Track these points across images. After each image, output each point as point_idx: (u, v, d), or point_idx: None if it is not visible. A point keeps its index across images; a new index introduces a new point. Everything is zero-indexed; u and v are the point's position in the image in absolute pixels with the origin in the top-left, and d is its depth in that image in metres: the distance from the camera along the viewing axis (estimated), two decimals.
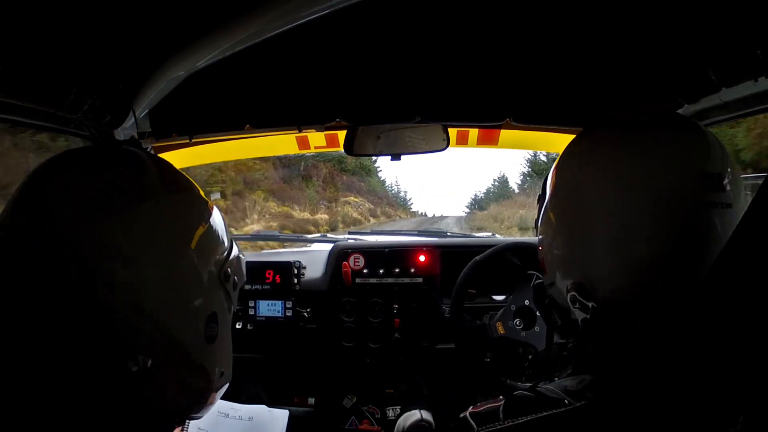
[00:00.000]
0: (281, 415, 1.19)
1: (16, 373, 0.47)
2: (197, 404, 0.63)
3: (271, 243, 2.94)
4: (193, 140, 1.19)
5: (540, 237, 0.74)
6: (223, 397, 0.69)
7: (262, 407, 1.19)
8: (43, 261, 0.50)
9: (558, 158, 0.74)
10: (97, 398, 0.52)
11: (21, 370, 0.47)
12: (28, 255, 0.51)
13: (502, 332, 1.39)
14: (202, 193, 0.64)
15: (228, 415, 1.14)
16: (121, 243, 0.53)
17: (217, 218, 0.64)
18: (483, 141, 1.49)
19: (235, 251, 0.68)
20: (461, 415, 0.71)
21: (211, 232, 0.62)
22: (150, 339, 0.54)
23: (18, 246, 0.51)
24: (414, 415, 1.43)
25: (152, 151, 1.21)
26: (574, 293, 0.63)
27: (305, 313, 1.65)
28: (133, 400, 0.54)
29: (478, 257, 1.44)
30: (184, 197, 0.62)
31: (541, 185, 0.77)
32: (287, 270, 1.66)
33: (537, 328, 1.37)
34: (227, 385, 0.68)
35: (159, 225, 0.57)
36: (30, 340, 0.49)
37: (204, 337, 0.60)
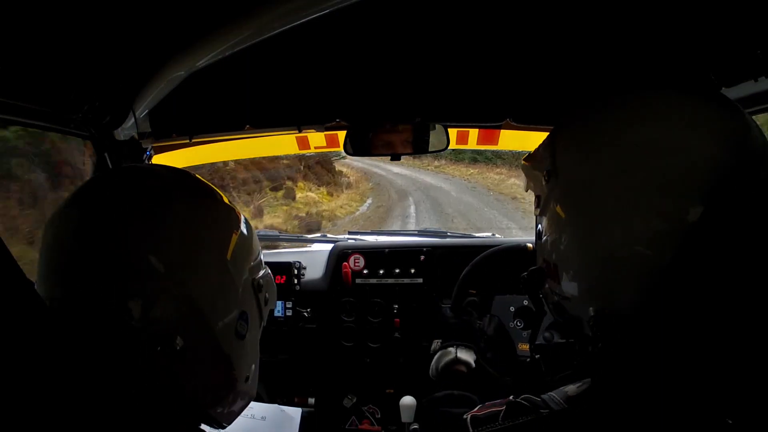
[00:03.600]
0: (294, 414, 1.19)
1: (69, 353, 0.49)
2: (220, 403, 0.65)
3: (271, 243, 2.94)
4: (193, 140, 1.19)
5: (545, 236, 0.63)
6: None
7: (275, 406, 1.19)
8: (97, 259, 0.56)
9: (576, 126, 0.63)
10: (126, 380, 0.53)
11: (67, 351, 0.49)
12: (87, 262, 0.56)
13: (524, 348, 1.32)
14: (228, 201, 0.68)
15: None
16: (169, 240, 0.58)
17: (249, 227, 0.69)
18: (483, 141, 1.49)
19: (267, 270, 0.71)
20: (464, 416, 0.71)
21: (245, 238, 0.67)
22: (184, 320, 0.57)
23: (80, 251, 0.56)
24: (448, 354, 1.23)
25: (152, 151, 1.21)
26: (595, 321, 0.56)
27: (305, 313, 1.65)
28: (159, 385, 0.56)
29: (478, 257, 1.43)
30: (218, 205, 0.66)
31: (547, 155, 0.64)
32: (287, 270, 1.66)
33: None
34: (251, 398, 0.71)
35: (201, 226, 0.62)
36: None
37: (234, 331, 0.63)
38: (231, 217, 0.67)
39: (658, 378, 0.49)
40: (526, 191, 0.72)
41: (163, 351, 0.55)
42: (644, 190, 0.53)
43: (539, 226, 0.66)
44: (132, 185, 0.63)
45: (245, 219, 0.70)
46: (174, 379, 0.57)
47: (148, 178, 0.64)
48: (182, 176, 0.67)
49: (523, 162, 0.73)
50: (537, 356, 0.73)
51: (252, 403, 1.16)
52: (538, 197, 0.67)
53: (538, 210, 0.66)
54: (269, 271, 0.72)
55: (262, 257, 0.72)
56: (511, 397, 0.65)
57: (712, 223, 0.51)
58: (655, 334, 0.52)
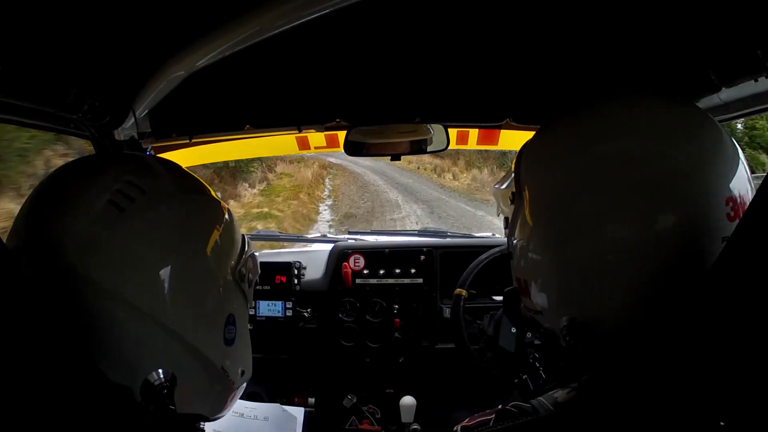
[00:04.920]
0: (297, 414, 1.19)
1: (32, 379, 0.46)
2: (219, 407, 0.64)
3: (270, 243, 2.94)
4: (193, 140, 1.19)
5: (516, 249, 0.64)
6: None
7: (277, 406, 1.19)
8: (55, 269, 0.50)
9: (536, 143, 0.64)
10: (116, 408, 0.50)
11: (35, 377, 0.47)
12: (40, 262, 0.51)
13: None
14: (213, 194, 0.64)
15: (243, 414, 1.13)
16: (135, 249, 0.52)
17: (230, 219, 0.64)
18: (483, 141, 1.49)
19: (247, 249, 0.67)
20: (455, 428, 0.71)
21: (226, 234, 0.62)
22: (168, 349, 0.54)
23: (32, 254, 0.51)
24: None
25: (152, 151, 1.21)
26: (567, 330, 0.56)
27: (305, 313, 1.65)
28: (153, 410, 0.53)
29: (479, 258, 1.43)
30: (197, 199, 0.61)
31: (513, 177, 0.66)
32: (287, 270, 1.66)
33: None
34: (246, 383, 0.68)
35: (173, 229, 0.56)
36: (42, 347, 0.47)
37: (223, 341, 0.60)
38: (212, 213, 0.61)
39: (644, 383, 0.49)
40: (498, 216, 0.74)
41: (152, 381, 0.52)
42: (601, 200, 0.53)
43: (509, 246, 0.68)
44: (80, 185, 0.56)
45: (227, 209, 0.65)
46: (167, 404, 0.54)
47: (110, 180, 0.57)
48: (162, 172, 0.61)
49: (492, 187, 0.75)
50: (535, 354, 0.74)
51: (254, 404, 1.17)
52: (506, 219, 0.69)
53: (507, 231, 0.68)
54: (247, 247, 0.67)
55: (242, 239, 0.66)
56: (500, 406, 0.66)
57: (678, 231, 0.51)
58: (633, 340, 0.52)
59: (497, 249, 1.44)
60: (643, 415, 0.47)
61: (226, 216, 0.63)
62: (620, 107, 0.59)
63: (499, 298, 1.61)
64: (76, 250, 0.50)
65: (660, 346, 0.48)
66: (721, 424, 0.42)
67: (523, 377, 0.93)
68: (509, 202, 0.66)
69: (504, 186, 0.70)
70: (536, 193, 0.60)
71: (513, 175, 0.66)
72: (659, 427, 0.46)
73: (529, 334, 1.12)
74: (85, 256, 0.50)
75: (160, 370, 0.53)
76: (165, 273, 0.53)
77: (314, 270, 1.72)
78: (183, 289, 0.55)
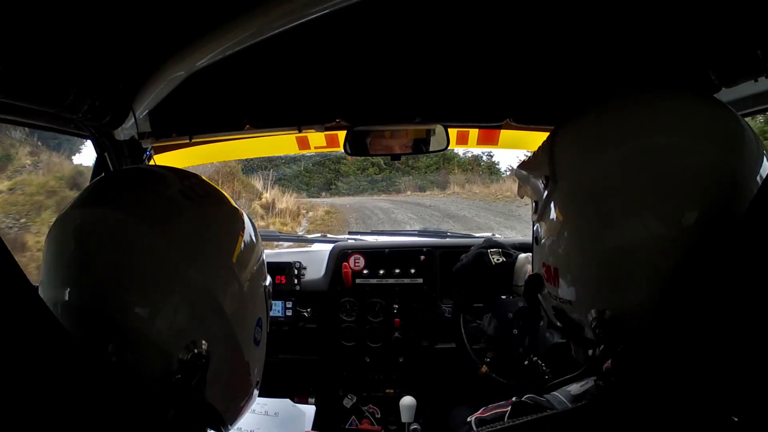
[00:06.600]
0: (307, 411, 1.19)
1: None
2: (234, 407, 0.65)
3: (271, 243, 2.94)
4: (193, 140, 1.19)
5: (544, 240, 0.64)
6: None
7: (287, 402, 1.18)
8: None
9: (574, 130, 0.64)
10: (137, 386, 0.53)
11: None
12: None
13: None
14: (233, 202, 0.68)
15: (254, 410, 1.13)
16: (182, 244, 0.57)
17: (254, 228, 0.69)
18: (483, 141, 1.49)
19: (268, 275, 0.71)
20: (468, 419, 0.71)
21: (254, 240, 0.67)
22: (208, 328, 0.57)
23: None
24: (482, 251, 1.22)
25: (152, 152, 1.21)
26: (597, 322, 0.56)
27: (305, 313, 1.65)
28: (180, 393, 0.55)
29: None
30: (227, 208, 0.66)
31: (545, 160, 0.65)
32: (287, 270, 1.66)
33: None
34: (254, 400, 0.71)
35: (214, 228, 0.62)
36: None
37: (252, 338, 0.64)
38: (239, 219, 0.66)
39: (664, 376, 0.49)
40: (521, 198, 0.73)
41: (191, 359, 0.55)
42: (644, 193, 0.54)
43: (537, 230, 0.67)
44: (141, 188, 0.61)
45: (250, 220, 0.69)
46: (197, 386, 0.55)
47: (155, 181, 0.63)
48: (191, 178, 0.65)
49: (517, 168, 0.73)
50: (535, 358, 0.73)
51: (265, 399, 1.17)
52: (536, 202, 0.67)
53: (536, 215, 0.67)
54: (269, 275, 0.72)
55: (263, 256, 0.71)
56: (514, 398, 0.66)
57: (711, 226, 0.52)
58: (659, 334, 0.52)
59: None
60: (659, 409, 0.48)
61: (249, 225, 0.68)
62: (660, 102, 0.59)
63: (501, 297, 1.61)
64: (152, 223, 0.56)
65: (679, 340, 0.48)
66: (735, 419, 0.42)
67: (533, 358, 0.92)
68: (541, 187, 0.65)
69: (532, 169, 0.69)
70: (573, 182, 0.60)
71: (546, 158, 0.64)
72: (672, 421, 0.46)
73: (548, 334, 1.11)
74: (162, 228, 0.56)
75: (203, 342, 0.56)
76: (225, 257, 0.60)
77: (314, 270, 1.72)
78: (234, 276, 0.60)
